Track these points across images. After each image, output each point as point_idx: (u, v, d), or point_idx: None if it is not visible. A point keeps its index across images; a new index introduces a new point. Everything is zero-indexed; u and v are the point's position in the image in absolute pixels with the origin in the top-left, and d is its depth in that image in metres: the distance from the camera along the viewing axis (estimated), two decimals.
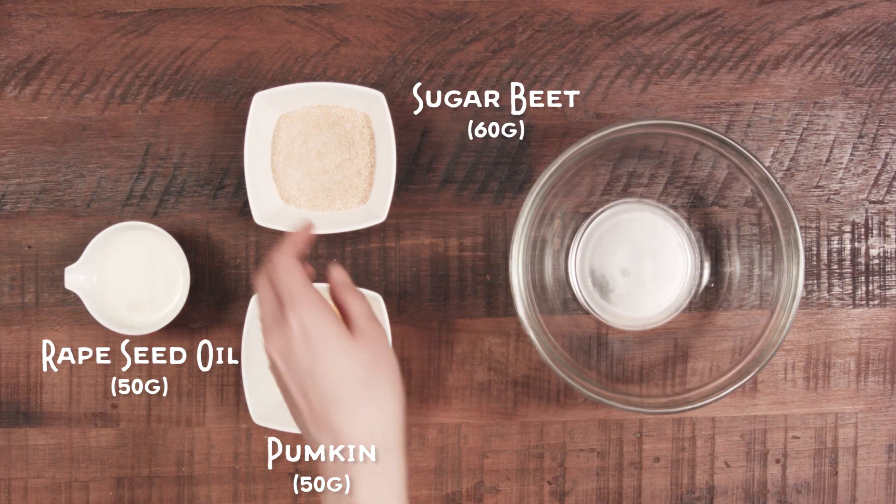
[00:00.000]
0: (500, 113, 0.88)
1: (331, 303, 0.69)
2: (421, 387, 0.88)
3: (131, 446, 0.88)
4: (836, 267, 0.89)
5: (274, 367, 0.67)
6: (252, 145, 0.84)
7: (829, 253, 0.89)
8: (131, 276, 0.86)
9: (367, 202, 0.86)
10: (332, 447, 0.65)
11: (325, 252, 0.88)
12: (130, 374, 0.88)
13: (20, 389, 0.88)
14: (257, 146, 0.85)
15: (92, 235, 0.85)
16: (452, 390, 0.88)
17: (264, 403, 0.84)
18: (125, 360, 0.88)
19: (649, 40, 0.89)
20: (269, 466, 0.88)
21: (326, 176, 0.86)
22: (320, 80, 0.88)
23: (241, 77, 0.88)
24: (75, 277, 0.84)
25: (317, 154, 0.86)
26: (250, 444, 0.88)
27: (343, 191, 0.86)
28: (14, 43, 0.89)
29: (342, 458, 0.65)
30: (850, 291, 0.89)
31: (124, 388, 0.88)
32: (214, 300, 0.88)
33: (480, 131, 0.88)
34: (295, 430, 0.83)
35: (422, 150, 0.89)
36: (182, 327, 0.88)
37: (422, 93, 0.88)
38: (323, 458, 0.66)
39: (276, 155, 0.86)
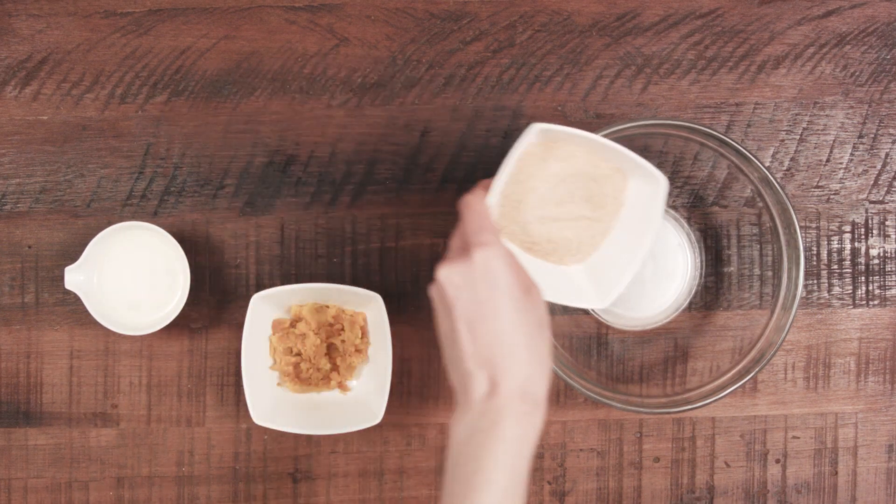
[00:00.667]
0: (501, 113, 0.88)
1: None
2: (421, 387, 0.88)
3: (131, 446, 0.88)
4: (836, 267, 0.89)
5: (441, 294, 0.68)
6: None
7: (829, 253, 0.89)
8: (131, 276, 0.86)
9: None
10: (486, 382, 0.65)
11: (325, 252, 0.88)
12: (130, 374, 0.88)
13: (20, 389, 0.88)
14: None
15: (92, 235, 0.85)
16: (452, 390, 0.88)
17: (264, 403, 0.84)
18: (125, 360, 0.88)
19: (649, 40, 0.89)
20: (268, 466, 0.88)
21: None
22: (320, 80, 0.88)
23: (241, 77, 0.88)
24: (75, 277, 0.84)
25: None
26: (250, 444, 0.88)
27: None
28: (14, 43, 0.89)
29: (501, 397, 0.65)
30: (850, 291, 0.89)
31: (124, 388, 0.88)
32: (214, 300, 0.88)
33: (481, 131, 0.88)
34: (293, 430, 0.83)
35: (422, 150, 0.89)
36: (182, 327, 0.88)
37: (421, 92, 0.89)
38: (481, 392, 0.66)
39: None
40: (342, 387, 0.87)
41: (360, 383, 0.87)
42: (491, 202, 0.71)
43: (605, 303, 0.75)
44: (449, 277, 0.67)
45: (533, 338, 0.67)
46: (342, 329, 0.86)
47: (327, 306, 0.87)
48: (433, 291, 0.69)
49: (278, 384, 0.87)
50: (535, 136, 0.71)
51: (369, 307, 0.86)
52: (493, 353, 0.65)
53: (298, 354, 0.86)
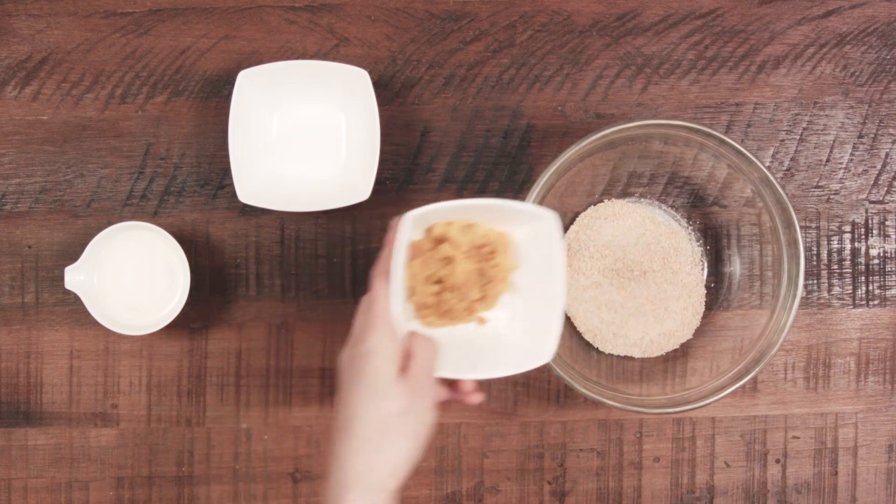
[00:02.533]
0: (501, 113, 0.88)
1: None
2: None
3: (131, 446, 0.88)
4: (836, 267, 0.89)
5: (338, 369, 0.69)
6: (236, 125, 0.84)
7: (829, 253, 0.89)
8: (131, 276, 0.86)
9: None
10: (330, 472, 0.66)
11: (325, 252, 0.88)
12: (130, 374, 0.88)
13: (20, 389, 0.88)
14: (241, 127, 0.85)
15: (92, 235, 0.85)
16: None
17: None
18: (125, 360, 0.88)
19: (649, 40, 0.89)
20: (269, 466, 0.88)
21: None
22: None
23: None
24: (75, 277, 0.84)
25: None
26: (250, 444, 0.88)
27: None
28: (14, 43, 0.89)
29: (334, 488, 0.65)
30: (850, 291, 0.89)
31: (124, 389, 0.88)
32: (214, 300, 0.88)
33: (481, 131, 0.88)
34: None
35: (422, 150, 0.89)
36: (182, 327, 0.88)
37: (421, 92, 0.89)
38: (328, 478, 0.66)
39: None
40: (482, 320, 0.75)
41: (503, 315, 0.75)
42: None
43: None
44: (340, 359, 0.69)
45: (384, 430, 0.66)
46: (494, 252, 0.74)
47: (473, 224, 0.74)
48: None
49: (413, 318, 0.74)
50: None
51: (529, 228, 0.74)
52: (338, 439, 0.66)
53: (439, 282, 0.73)
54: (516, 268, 0.74)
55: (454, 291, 0.73)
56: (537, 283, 0.73)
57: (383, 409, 0.65)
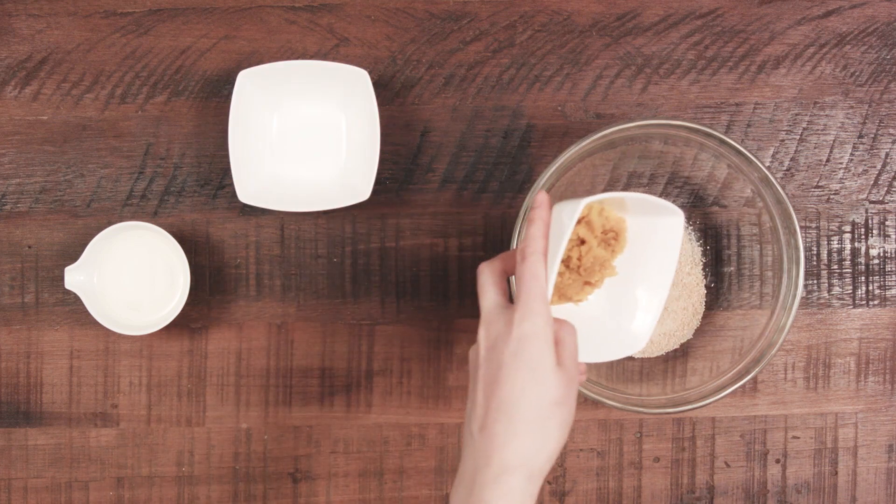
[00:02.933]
0: (501, 113, 0.88)
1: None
2: (421, 387, 0.88)
3: (131, 446, 0.88)
4: (836, 267, 0.89)
5: (476, 351, 0.68)
6: (236, 125, 0.84)
7: (829, 253, 0.89)
8: (131, 276, 0.86)
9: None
10: (482, 451, 0.65)
11: (325, 252, 0.88)
12: (130, 374, 0.88)
13: (20, 389, 0.88)
14: (241, 127, 0.85)
15: (92, 235, 0.85)
16: (452, 390, 0.88)
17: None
18: (125, 360, 0.88)
19: (649, 40, 0.89)
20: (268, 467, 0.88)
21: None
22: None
23: None
24: (75, 277, 0.84)
25: None
26: (250, 444, 0.88)
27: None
28: (14, 43, 0.89)
29: (484, 472, 0.64)
30: (850, 291, 0.89)
31: (124, 388, 0.88)
32: (214, 300, 0.88)
33: (481, 131, 0.88)
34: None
35: (422, 150, 0.89)
36: (182, 327, 0.88)
37: (421, 92, 0.89)
38: (474, 460, 0.65)
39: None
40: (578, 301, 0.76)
41: (594, 298, 0.77)
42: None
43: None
44: (487, 336, 0.67)
45: (546, 417, 0.65)
46: (616, 237, 0.75)
47: (605, 209, 0.74)
48: (471, 351, 0.69)
49: None
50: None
51: (649, 219, 0.74)
52: (495, 422, 0.65)
53: (565, 261, 0.74)
54: (621, 254, 0.75)
55: (577, 272, 0.74)
56: (638, 271, 0.74)
57: (546, 397, 0.65)
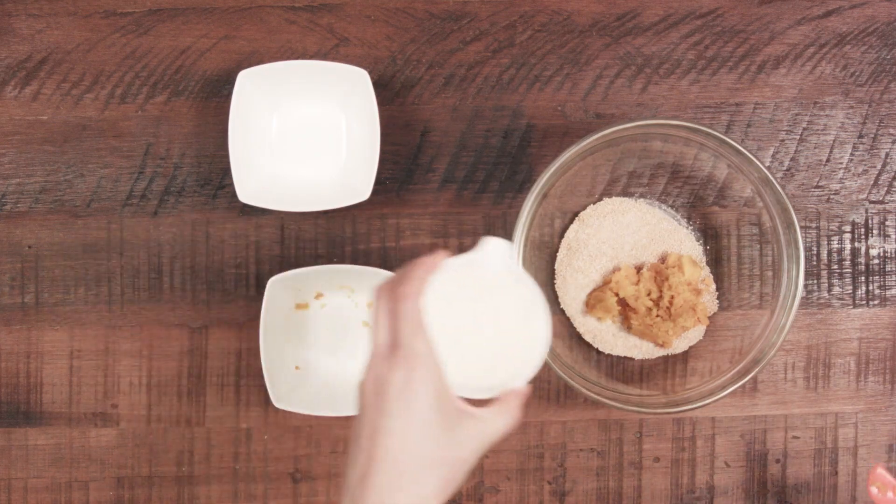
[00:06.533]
0: (501, 113, 0.88)
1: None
2: None
3: (131, 446, 0.88)
4: (836, 267, 0.89)
5: (362, 389, 0.62)
6: (236, 125, 0.84)
7: (829, 253, 0.89)
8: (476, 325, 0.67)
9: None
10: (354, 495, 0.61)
11: (325, 252, 0.88)
12: (130, 374, 0.88)
13: (20, 389, 0.88)
14: (241, 127, 0.85)
15: (92, 235, 0.85)
16: None
17: (283, 386, 0.84)
18: (125, 360, 0.88)
19: (649, 40, 0.89)
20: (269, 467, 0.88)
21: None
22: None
23: None
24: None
25: None
26: (250, 444, 0.88)
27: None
28: (14, 43, 0.89)
29: None
30: (850, 291, 0.89)
31: (124, 388, 0.88)
32: (214, 300, 0.88)
33: (481, 131, 0.88)
34: (309, 412, 0.83)
35: (422, 150, 0.89)
36: (182, 327, 0.88)
37: (421, 92, 0.89)
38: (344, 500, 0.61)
39: None
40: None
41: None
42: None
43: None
44: (372, 375, 0.61)
45: (430, 471, 0.60)
46: (700, 291, 0.87)
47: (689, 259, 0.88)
48: (358, 388, 0.63)
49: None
50: (243, 81, 0.63)
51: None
52: (374, 469, 0.60)
53: (654, 302, 0.86)
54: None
55: (668, 313, 0.86)
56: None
57: (427, 449, 0.60)
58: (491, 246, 0.63)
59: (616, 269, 0.86)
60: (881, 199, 0.89)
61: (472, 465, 0.62)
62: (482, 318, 0.64)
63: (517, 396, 0.64)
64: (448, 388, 0.61)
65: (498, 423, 0.63)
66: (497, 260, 0.63)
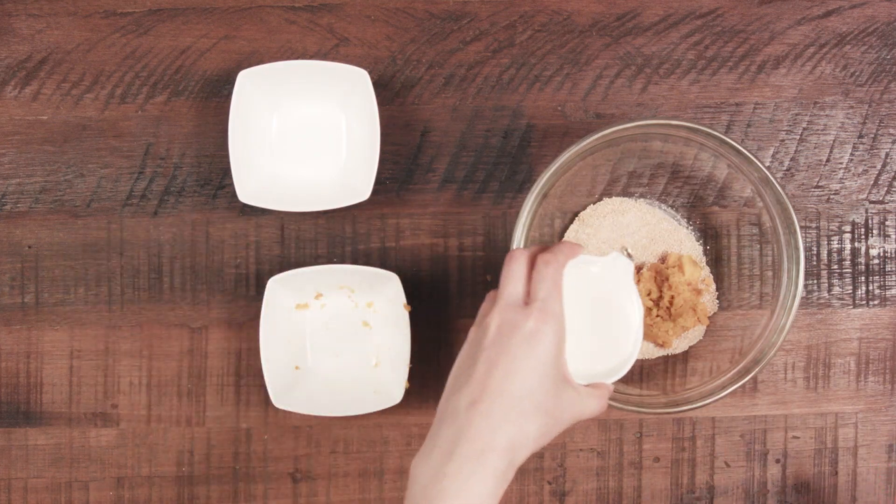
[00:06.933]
0: (501, 113, 0.88)
1: None
2: (420, 387, 0.88)
3: (131, 446, 0.88)
4: (836, 267, 0.89)
5: (482, 331, 0.67)
6: (236, 125, 0.84)
7: (829, 253, 0.89)
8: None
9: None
10: (467, 426, 0.64)
11: (325, 252, 0.88)
12: (130, 374, 0.88)
13: (20, 389, 0.88)
14: (241, 127, 0.85)
15: (93, 235, 0.85)
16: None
17: (283, 386, 0.84)
18: (125, 360, 0.88)
19: (649, 40, 0.89)
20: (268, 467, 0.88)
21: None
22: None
23: None
24: None
25: None
26: (250, 444, 0.88)
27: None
28: (14, 43, 0.89)
29: (469, 448, 0.64)
30: (850, 291, 0.89)
31: (124, 388, 0.88)
32: (214, 300, 0.88)
33: (481, 131, 0.88)
34: (308, 412, 0.83)
35: (422, 150, 0.89)
36: (182, 327, 0.88)
37: (421, 92, 0.89)
38: (454, 433, 0.64)
39: None
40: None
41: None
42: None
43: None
44: (499, 318, 0.67)
45: (546, 412, 0.66)
46: (700, 291, 0.88)
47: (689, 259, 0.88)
48: (473, 330, 0.68)
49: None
50: (243, 81, 0.71)
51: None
52: (492, 403, 0.64)
53: (654, 302, 0.86)
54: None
55: (668, 313, 0.86)
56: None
57: (542, 395, 0.65)
58: (620, 261, 0.72)
59: None
60: (881, 199, 0.89)
61: (562, 431, 0.67)
62: (594, 315, 0.71)
63: (608, 389, 0.71)
64: (564, 353, 0.68)
65: (592, 403, 0.69)
66: (620, 274, 0.72)
